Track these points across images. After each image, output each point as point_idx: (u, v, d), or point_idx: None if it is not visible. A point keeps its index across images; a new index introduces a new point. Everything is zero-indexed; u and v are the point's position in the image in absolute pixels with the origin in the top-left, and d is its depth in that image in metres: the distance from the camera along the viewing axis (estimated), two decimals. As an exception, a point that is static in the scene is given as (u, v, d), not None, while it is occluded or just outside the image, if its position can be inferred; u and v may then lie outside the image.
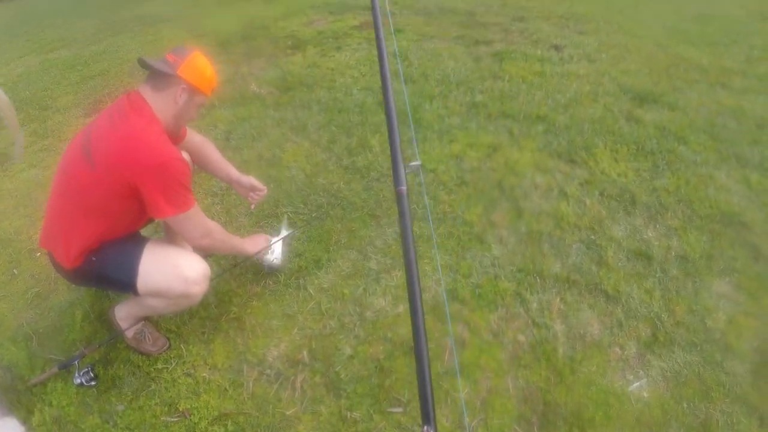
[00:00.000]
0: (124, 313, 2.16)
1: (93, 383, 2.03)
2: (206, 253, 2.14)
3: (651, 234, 2.73)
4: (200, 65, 1.89)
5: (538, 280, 2.47)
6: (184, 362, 2.15)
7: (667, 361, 2.13)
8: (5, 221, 3.09)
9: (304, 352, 2.18)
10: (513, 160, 3.30)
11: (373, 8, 1.85)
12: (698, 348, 2.18)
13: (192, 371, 2.12)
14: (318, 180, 3.19)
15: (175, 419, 1.96)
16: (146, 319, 2.20)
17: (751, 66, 4.87)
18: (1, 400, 2.04)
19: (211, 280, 2.03)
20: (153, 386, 2.07)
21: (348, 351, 2.17)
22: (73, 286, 2.43)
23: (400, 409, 1.95)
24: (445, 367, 2.09)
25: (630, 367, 2.12)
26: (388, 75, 1.64)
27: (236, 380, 2.08)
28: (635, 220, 2.82)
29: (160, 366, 2.14)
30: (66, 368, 2.02)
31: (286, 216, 2.84)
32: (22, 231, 2.98)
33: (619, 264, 2.55)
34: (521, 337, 2.22)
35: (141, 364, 2.15)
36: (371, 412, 1.95)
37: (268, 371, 2.12)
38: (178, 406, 1.99)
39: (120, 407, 2.01)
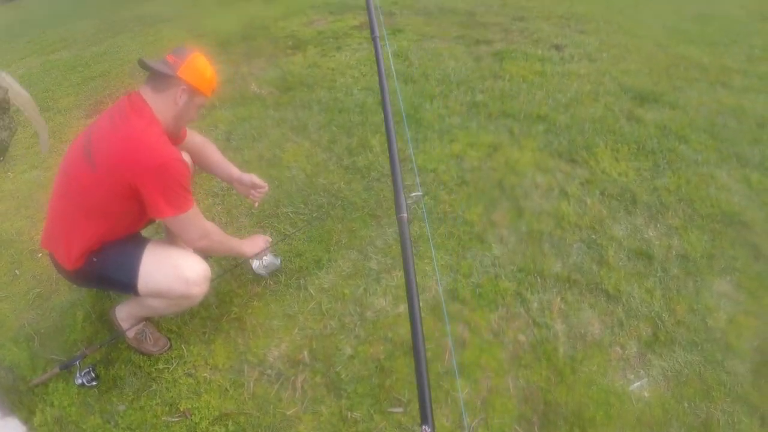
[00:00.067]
0: (125, 313, 2.16)
1: (94, 383, 2.04)
2: (205, 255, 2.14)
3: (652, 233, 2.73)
4: (200, 66, 1.89)
5: (539, 279, 2.47)
6: (185, 362, 2.15)
7: (667, 361, 2.13)
8: (7, 222, 3.10)
9: (305, 352, 2.18)
10: (513, 159, 3.30)
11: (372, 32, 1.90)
12: (699, 347, 2.18)
13: (193, 371, 2.12)
14: (318, 180, 3.19)
15: (176, 419, 1.96)
16: (147, 319, 2.21)
17: (751, 65, 4.87)
18: (2, 401, 2.04)
19: (212, 280, 2.04)
20: (154, 386, 2.08)
21: (348, 351, 2.18)
22: (75, 286, 2.44)
23: (400, 409, 1.96)
24: (445, 367, 2.09)
25: (631, 366, 2.12)
26: (390, 111, 1.75)
27: (237, 380, 2.09)
28: (636, 219, 2.82)
29: (161, 366, 2.14)
30: (67, 368, 2.03)
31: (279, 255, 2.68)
32: (23, 232, 2.98)
33: (620, 263, 2.55)
34: (522, 337, 2.22)
35: (142, 364, 2.15)
36: (372, 412, 1.95)
37: (269, 371, 2.12)
38: (179, 406, 2.00)
39: (121, 407, 2.01)
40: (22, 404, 2.04)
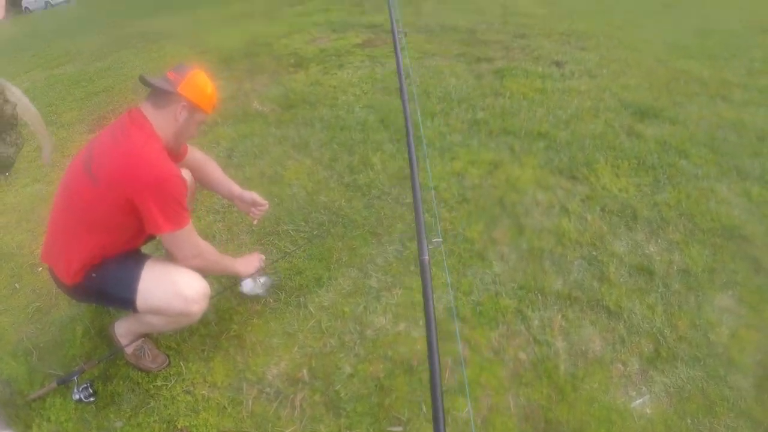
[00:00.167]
0: (123, 329, 2.16)
1: (92, 399, 2.03)
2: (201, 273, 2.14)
3: (653, 249, 2.72)
4: (200, 83, 1.91)
5: (540, 297, 2.45)
6: (183, 379, 2.14)
7: (670, 377, 2.11)
8: (8, 235, 3.11)
9: (304, 371, 2.16)
10: (514, 176, 3.31)
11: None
12: (701, 363, 2.16)
13: (191, 389, 2.11)
14: (319, 197, 3.19)
15: (174, 437, 1.95)
16: (146, 335, 2.20)
17: (751, 79, 4.87)
18: (-1, 415, 2.04)
19: (212, 297, 2.03)
20: (152, 403, 2.06)
21: (348, 369, 2.16)
22: (74, 301, 2.43)
23: (400, 428, 1.94)
24: (445, 385, 2.07)
25: (633, 383, 2.10)
26: (413, 148, 1.83)
27: (235, 398, 2.07)
28: (637, 235, 2.81)
29: (159, 383, 2.13)
30: (65, 384, 2.02)
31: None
32: (24, 245, 2.99)
33: (621, 279, 2.54)
34: (522, 355, 2.20)
35: (140, 380, 2.14)
36: (371, 431, 1.93)
37: (268, 389, 2.10)
38: (176, 423, 1.98)
39: (118, 424, 2.00)
40: (19, 419, 2.03)
